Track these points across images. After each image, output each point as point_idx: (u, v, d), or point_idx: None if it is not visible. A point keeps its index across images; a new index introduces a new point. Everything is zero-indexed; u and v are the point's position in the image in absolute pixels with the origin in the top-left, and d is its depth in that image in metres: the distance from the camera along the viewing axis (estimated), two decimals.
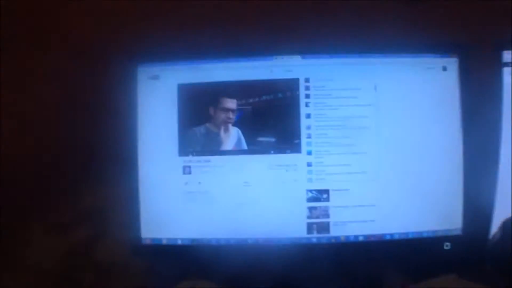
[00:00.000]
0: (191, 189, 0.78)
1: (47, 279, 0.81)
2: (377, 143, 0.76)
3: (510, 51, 0.75)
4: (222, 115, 0.81)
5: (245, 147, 0.77)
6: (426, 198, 0.78)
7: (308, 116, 0.77)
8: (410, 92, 0.76)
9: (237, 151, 0.77)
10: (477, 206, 0.76)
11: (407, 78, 0.76)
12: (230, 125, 0.81)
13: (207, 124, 0.81)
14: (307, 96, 0.77)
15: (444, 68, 0.80)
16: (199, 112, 0.78)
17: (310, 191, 0.77)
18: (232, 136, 0.78)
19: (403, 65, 0.77)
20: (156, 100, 0.79)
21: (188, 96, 0.79)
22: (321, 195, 0.77)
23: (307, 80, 0.77)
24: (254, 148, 0.77)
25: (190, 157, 0.78)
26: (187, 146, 0.78)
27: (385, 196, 0.78)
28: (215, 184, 0.77)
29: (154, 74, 0.79)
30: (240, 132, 0.78)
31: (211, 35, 0.80)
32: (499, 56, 0.74)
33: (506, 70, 0.76)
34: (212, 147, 0.78)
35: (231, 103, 0.81)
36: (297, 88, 0.77)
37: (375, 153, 0.76)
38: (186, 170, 0.78)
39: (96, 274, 0.82)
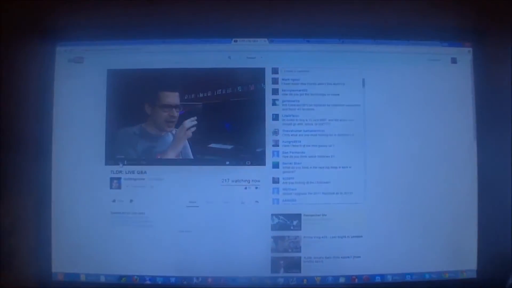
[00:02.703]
0: (120, 209, 0.61)
1: None
2: (364, 155, 0.61)
3: None
4: (162, 114, 0.62)
5: (191, 155, 0.61)
6: (429, 228, 0.61)
7: (275, 117, 0.62)
8: (407, 90, 0.62)
9: (182, 161, 0.61)
10: (494, 243, 0.57)
11: (404, 72, 0.62)
12: (172, 127, 0.62)
13: (143, 125, 0.62)
14: (275, 91, 0.62)
15: (454, 60, 0.62)
16: (133, 108, 0.62)
17: (276, 216, 0.61)
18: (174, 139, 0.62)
19: (399, 55, 0.62)
20: (78, 89, 0.62)
21: (120, 86, 0.62)
22: (290, 221, 0.61)
23: (275, 70, 0.62)
24: (203, 157, 0.61)
25: (119, 167, 0.62)
26: (116, 152, 0.62)
27: (375, 224, 0.61)
28: (152, 203, 0.61)
29: (77, 56, 0.63)
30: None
31: (151, 9, 0.61)
32: None
33: None
34: (148, 154, 0.62)
35: (174, 99, 0.62)
36: (262, 81, 0.62)
37: (362, 168, 0.61)
38: (114, 183, 0.62)
39: None
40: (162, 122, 0.62)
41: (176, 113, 0.62)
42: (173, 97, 0.62)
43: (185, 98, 0.63)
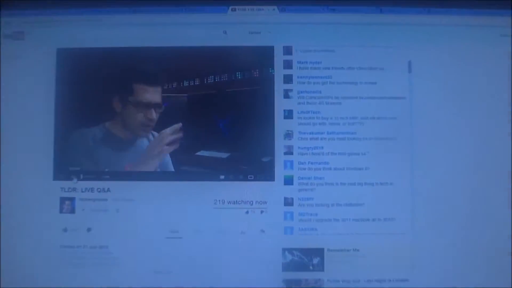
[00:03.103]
0: (73, 241, 0.46)
1: None
2: (411, 167, 0.46)
3: None
4: (136, 114, 0.46)
5: (172, 167, 0.47)
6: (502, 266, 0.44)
7: (288, 114, 0.47)
8: (470, 77, 0.47)
9: (159, 175, 0.47)
10: None
11: (466, 53, 0.47)
12: (149, 131, 0.47)
13: (108, 124, 0.47)
14: (287, 79, 0.47)
15: None
16: (93, 102, 0.47)
17: (290, 251, 0.46)
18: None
19: (460, 29, 0.47)
20: (17, 76, 0.48)
21: (74, 72, 0.47)
22: (309, 259, 0.46)
23: (287, 50, 0.48)
24: (189, 170, 0.47)
25: (73, 183, 0.47)
26: (69, 163, 0.47)
27: (426, 262, 0.46)
28: (118, 233, 0.46)
29: (15, 31, 0.48)
30: None
31: None
32: None
33: None
34: (114, 165, 0.47)
35: (153, 93, 0.47)
36: (270, 65, 0.47)
37: (407, 184, 0.46)
38: (66, 205, 0.47)
39: None
40: (135, 124, 0.46)
41: (155, 113, 0.46)
42: (152, 92, 0.46)
43: (165, 88, 0.46)
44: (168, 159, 0.46)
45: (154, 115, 0.46)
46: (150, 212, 0.46)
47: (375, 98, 0.46)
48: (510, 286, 0.45)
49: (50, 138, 0.46)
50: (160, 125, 0.46)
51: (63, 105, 0.47)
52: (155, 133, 0.46)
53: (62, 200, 0.46)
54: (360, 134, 0.46)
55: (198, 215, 0.46)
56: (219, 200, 0.46)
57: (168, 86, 0.46)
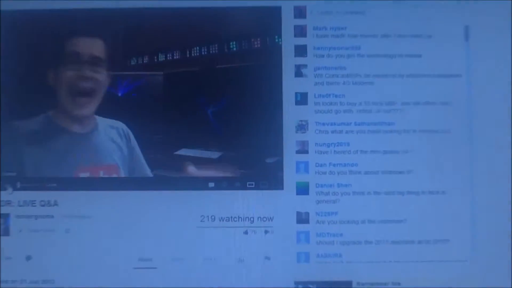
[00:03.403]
0: (7, 274, 0.35)
1: None
2: (470, 171, 0.35)
3: None
4: (67, 80, 0.35)
5: (147, 171, 0.35)
6: None
7: (301, 99, 0.36)
8: None
9: (126, 182, 0.35)
10: None
11: None
12: (88, 107, 0.35)
13: (51, 113, 0.35)
14: (300, 50, 0.36)
15: None
16: (30, 82, 0.35)
17: (305, 286, 0.35)
18: (110, 142, 0.35)
19: None
20: None
21: (12, 43, 0.35)
22: None
23: (299, 12, 0.36)
24: (167, 175, 0.35)
25: (8, 193, 0.35)
26: (2, 166, 0.35)
27: None
28: (68, 263, 0.34)
29: None
30: (130, 133, 0.35)
31: None
32: None
33: None
34: (62, 169, 0.35)
35: (88, 45, 0.35)
36: (276, 32, 0.36)
37: (467, 193, 0.35)
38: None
39: None
40: (68, 97, 0.35)
41: (89, 73, 0.35)
42: (86, 44, 0.34)
43: (134, 62, 0.34)
44: (140, 159, 0.34)
45: (88, 74, 0.34)
46: (113, 233, 0.34)
47: (419, 76, 0.35)
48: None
49: None
50: (127, 113, 0.34)
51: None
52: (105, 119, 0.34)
53: None
54: (399, 125, 0.35)
55: (178, 237, 0.34)
56: (208, 216, 0.34)
57: (136, 61, 0.34)
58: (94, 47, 0.34)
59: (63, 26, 0.34)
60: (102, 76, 0.34)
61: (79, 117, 0.35)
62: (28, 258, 0.34)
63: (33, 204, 0.34)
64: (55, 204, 0.34)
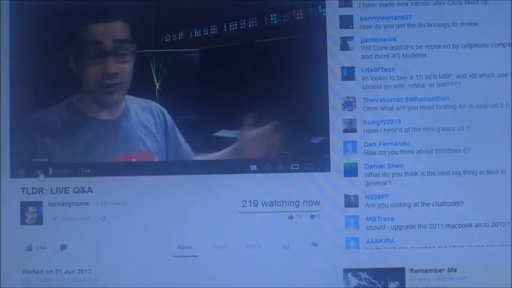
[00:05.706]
0: (41, 264, 0.33)
1: None
2: None
3: None
4: (90, 68, 0.33)
5: (190, 153, 0.33)
6: None
7: (347, 74, 0.34)
8: None
9: (163, 167, 0.34)
10: None
11: None
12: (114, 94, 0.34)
13: (75, 99, 0.34)
14: (346, 21, 0.34)
15: None
16: (54, 68, 0.33)
17: (355, 273, 0.33)
18: (142, 127, 0.34)
19: None
20: None
21: (34, 32, 0.34)
22: (383, 284, 0.33)
23: None
24: (205, 159, 0.33)
25: (39, 180, 0.33)
26: (31, 153, 0.34)
27: None
28: (104, 252, 0.33)
29: None
30: (168, 116, 0.34)
31: None
32: None
33: None
34: (96, 155, 0.33)
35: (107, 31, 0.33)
36: (321, 2, 0.33)
37: None
38: (30, 213, 0.33)
39: None
40: (92, 85, 0.33)
41: (114, 65, 0.32)
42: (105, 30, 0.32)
43: (169, 39, 0.32)
44: (180, 141, 0.32)
45: (113, 67, 0.32)
46: (150, 220, 0.32)
47: (476, 46, 0.33)
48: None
49: (5, 123, 0.33)
50: (161, 94, 0.32)
51: (18, 76, 0.33)
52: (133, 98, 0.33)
53: (24, 205, 0.33)
54: (455, 99, 0.33)
55: (219, 224, 0.33)
56: (250, 201, 0.33)
57: (171, 38, 0.32)
58: (117, 29, 0.32)
59: (83, 11, 0.32)
60: (128, 59, 0.32)
61: (108, 104, 0.33)
62: (63, 247, 0.33)
63: (67, 191, 0.33)
64: (90, 191, 0.33)
